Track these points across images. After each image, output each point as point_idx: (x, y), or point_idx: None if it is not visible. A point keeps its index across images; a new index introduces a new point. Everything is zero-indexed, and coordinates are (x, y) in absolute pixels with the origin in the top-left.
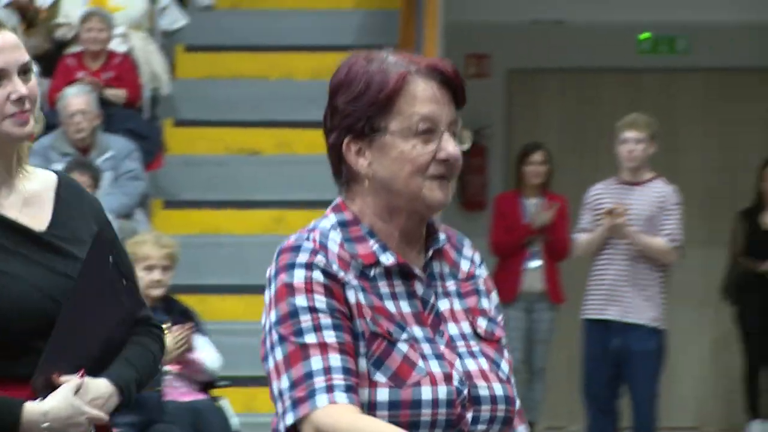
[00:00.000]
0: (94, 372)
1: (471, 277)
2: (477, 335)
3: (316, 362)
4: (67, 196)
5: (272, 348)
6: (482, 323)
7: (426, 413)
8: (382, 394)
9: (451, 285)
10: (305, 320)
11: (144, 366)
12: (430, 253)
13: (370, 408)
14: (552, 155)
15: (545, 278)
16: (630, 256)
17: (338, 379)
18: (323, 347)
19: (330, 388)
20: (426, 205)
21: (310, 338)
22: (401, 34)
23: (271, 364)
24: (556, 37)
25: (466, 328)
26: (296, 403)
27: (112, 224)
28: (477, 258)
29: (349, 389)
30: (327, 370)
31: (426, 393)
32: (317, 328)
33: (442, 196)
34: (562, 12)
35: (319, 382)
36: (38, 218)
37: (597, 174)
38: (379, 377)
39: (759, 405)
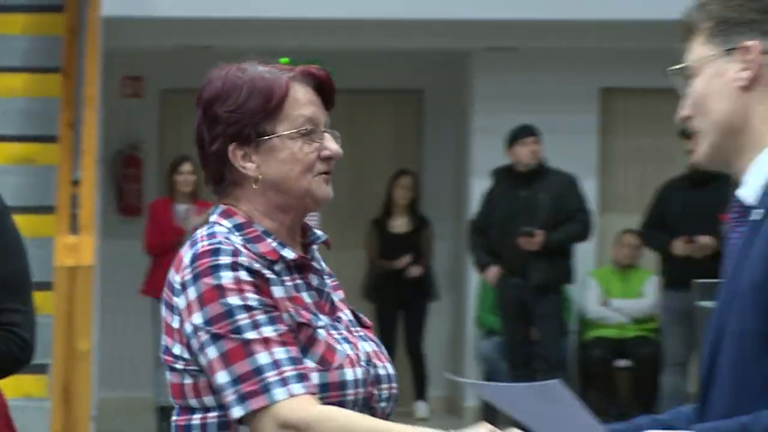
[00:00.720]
0: None
1: (330, 274)
2: (359, 321)
3: (262, 357)
4: None
5: (201, 348)
6: (356, 312)
7: (350, 393)
8: (314, 378)
9: (326, 278)
10: (242, 318)
11: None
12: (315, 246)
13: None
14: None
15: None
16: None
17: (289, 370)
18: (266, 342)
19: (284, 381)
20: (314, 200)
21: (252, 335)
22: (65, 58)
23: (202, 363)
24: (204, 61)
25: (350, 315)
26: (245, 397)
27: None
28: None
29: (301, 378)
30: (276, 364)
31: (349, 374)
32: (255, 325)
33: (328, 191)
34: (209, 38)
35: (272, 376)
36: None
37: None
38: (309, 362)
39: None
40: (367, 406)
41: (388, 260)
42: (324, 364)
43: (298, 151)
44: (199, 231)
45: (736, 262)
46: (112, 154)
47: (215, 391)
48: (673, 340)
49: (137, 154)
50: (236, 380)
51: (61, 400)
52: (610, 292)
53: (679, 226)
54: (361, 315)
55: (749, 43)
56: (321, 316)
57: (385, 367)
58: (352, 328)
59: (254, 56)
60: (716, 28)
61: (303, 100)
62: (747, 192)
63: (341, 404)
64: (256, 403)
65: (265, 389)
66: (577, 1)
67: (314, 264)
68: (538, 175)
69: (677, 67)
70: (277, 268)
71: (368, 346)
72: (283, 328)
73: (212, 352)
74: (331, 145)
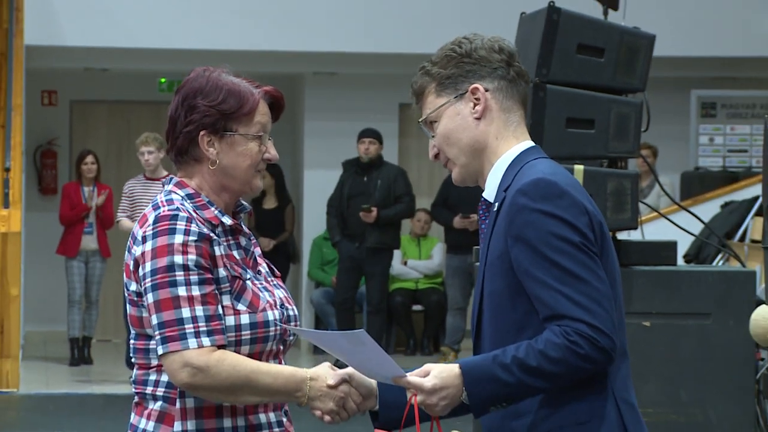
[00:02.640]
0: None
1: (251, 235)
2: (273, 273)
3: (185, 312)
4: None
5: (145, 291)
6: (270, 264)
7: (272, 330)
8: (245, 319)
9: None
10: (179, 275)
11: None
12: (243, 215)
13: (237, 330)
14: (99, 158)
15: (98, 240)
16: None
17: (202, 326)
18: (191, 300)
19: (197, 334)
20: (251, 188)
21: (182, 291)
22: None
23: (145, 302)
24: (104, 80)
25: (266, 267)
26: (166, 340)
27: None
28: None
29: (210, 333)
30: (194, 319)
31: (270, 315)
32: (187, 283)
33: (261, 184)
34: (106, 62)
35: (189, 328)
36: None
37: (130, 172)
38: (241, 307)
39: None
40: (281, 339)
41: (262, 231)
42: (252, 307)
43: (251, 149)
44: (158, 196)
45: (486, 242)
46: (34, 148)
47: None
48: (454, 291)
49: (53, 148)
50: (162, 324)
51: None
52: (408, 255)
53: (458, 206)
54: (274, 267)
55: (476, 85)
56: (247, 270)
57: (293, 309)
58: (269, 278)
59: (136, 76)
60: (443, 84)
61: (261, 112)
62: (489, 192)
63: (266, 338)
64: (172, 347)
65: (182, 337)
66: (383, 37)
67: (245, 229)
68: (376, 166)
69: (422, 118)
70: (217, 231)
71: (281, 292)
72: (208, 289)
73: (150, 297)
74: (273, 150)
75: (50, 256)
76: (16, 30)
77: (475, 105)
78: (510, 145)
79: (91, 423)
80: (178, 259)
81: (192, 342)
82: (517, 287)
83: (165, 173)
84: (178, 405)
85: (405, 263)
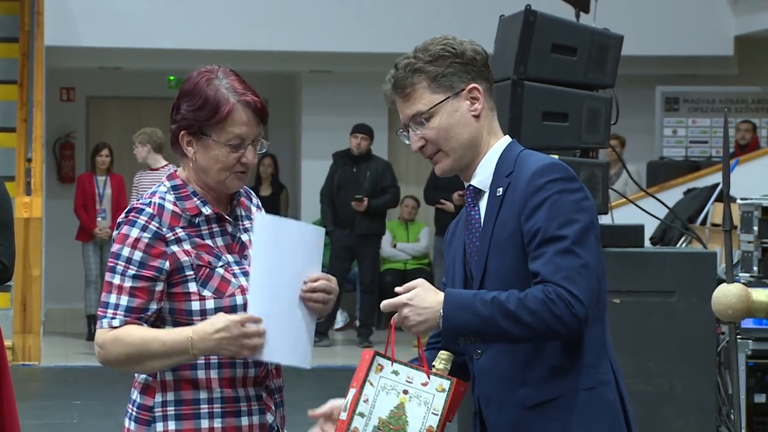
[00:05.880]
0: None
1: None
2: None
3: (113, 298)
4: None
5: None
6: None
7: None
8: (210, 304)
9: (247, 223)
10: (120, 264)
11: None
12: (235, 202)
13: (202, 314)
14: (113, 151)
15: (111, 226)
16: None
17: (120, 315)
18: (120, 288)
19: (114, 317)
20: (226, 188)
21: (116, 279)
22: (20, 74)
23: None
24: (117, 77)
25: None
26: (98, 317)
27: None
28: (259, 204)
29: (123, 324)
30: (116, 306)
31: (239, 300)
32: (123, 273)
33: (238, 184)
34: (119, 62)
35: (109, 312)
36: None
37: (140, 163)
38: (206, 293)
39: None
40: None
41: None
42: (218, 293)
43: (222, 155)
44: (153, 188)
45: (488, 225)
46: (53, 140)
47: None
48: (441, 270)
49: (71, 140)
50: (99, 303)
51: (21, 310)
52: (397, 238)
53: (449, 190)
54: None
55: (475, 85)
56: (227, 256)
57: None
58: None
59: (147, 75)
60: (438, 81)
61: (237, 121)
62: (480, 180)
63: None
64: (98, 324)
65: (103, 317)
66: (374, 38)
67: (229, 216)
68: (365, 158)
69: (420, 112)
70: (197, 220)
71: None
72: (140, 284)
73: (104, 277)
74: (249, 156)
75: (69, 240)
76: (37, 32)
77: (472, 103)
78: (497, 138)
79: (106, 393)
80: (126, 251)
81: (105, 323)
82: (525, 262)
83: (164, 163)
84: (158, 378)
85: (395, 246)
